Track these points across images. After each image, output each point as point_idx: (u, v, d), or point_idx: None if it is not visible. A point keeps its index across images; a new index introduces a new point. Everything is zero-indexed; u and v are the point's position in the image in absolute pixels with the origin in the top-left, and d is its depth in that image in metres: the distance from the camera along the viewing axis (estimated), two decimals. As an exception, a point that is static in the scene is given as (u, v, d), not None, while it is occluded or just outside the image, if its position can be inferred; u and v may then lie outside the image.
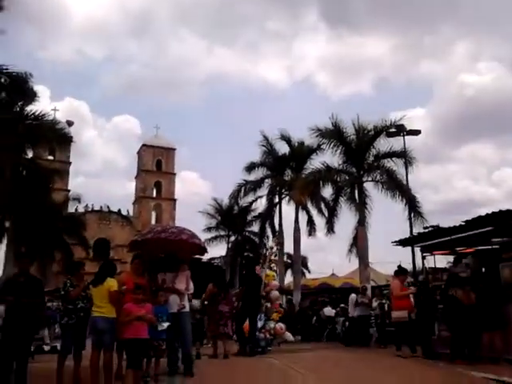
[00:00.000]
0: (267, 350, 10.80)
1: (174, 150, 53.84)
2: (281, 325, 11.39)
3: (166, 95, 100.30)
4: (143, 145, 52.80)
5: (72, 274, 7.01)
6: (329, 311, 16.92)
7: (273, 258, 13.15)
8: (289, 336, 11.79)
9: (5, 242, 24.51)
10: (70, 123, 48.23)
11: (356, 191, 20.08)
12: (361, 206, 19.71)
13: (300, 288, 22.45)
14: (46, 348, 12.15)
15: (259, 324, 11.15)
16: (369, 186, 20.28)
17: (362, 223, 19.51)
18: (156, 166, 52.22)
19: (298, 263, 24.62)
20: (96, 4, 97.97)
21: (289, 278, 29.36)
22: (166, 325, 6.59)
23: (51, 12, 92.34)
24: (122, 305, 6.21)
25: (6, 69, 16.64)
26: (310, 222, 25.09)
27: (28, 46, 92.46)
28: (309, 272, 41.78)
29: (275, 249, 13.08)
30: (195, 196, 79.35)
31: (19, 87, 17.35)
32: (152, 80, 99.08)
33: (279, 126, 24.39)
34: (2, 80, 16.99)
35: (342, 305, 16.56)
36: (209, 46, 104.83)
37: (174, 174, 53.26)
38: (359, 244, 19.52)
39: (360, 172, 19.84)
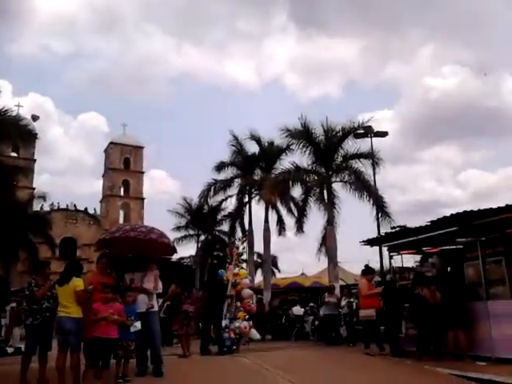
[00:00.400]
0: (233, 349, 10.81)
1: (142, 148, 53.24)
2: (245, 323, 11.36)
3: (133, 92, 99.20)
4: (111, 143, 51.98)
5: (37, 273, 6.88)
6: (298, 310, 17.08)
7: (237, 255, 13.02)
8: (255, 334, 11.78)
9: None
10: (34, 118, 47.09)
11: (325, 191, 20.24)
12: (329, 206, 19.91)
13: (270, 287, 22.52)
14: (10, 350, 11.80)
15: (223, 323, 11.16)
16: (337, 186, 20.47)
17: (330, 223, 19.71)
18: (124, 165, 51.50)
19: (267, 262, 24.66)
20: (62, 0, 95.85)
21: (259, 278, 29.45)
22: (138, 325, 6.54)
23: (16, 6, 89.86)
24: (90, 304, 6.14)
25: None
26: (280, 222, 25.21)
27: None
28: (279, 271, 42.02)
29: (241, 247, 12.98)
30: (164, 195, 78.77)
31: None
32: (119, 77, 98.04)
33: (249, 126, 24.43)
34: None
35: (312, 304, 16.75)
36: (177, 43, 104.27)
37: (143, 173, 52.66)
38: (328, 243, 19.71)
39: (329, 172, 20.03)
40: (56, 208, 45.30)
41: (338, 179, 20.29)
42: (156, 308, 7.30)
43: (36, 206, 33.98)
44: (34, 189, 37.27)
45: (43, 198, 31.22)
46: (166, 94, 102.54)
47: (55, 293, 6.41)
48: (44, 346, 6.50)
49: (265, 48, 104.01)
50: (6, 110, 19.12)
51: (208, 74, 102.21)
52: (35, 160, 45.76)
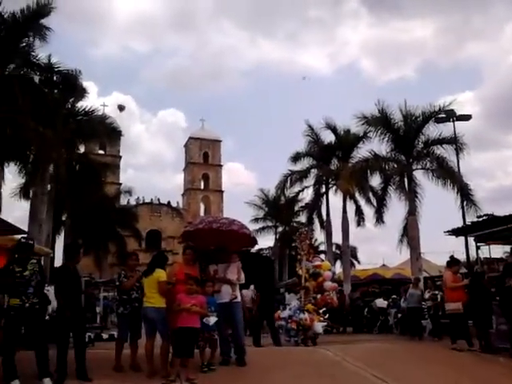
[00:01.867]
0: (296, 340, 10.85)
1: (220, 141, 54.41)
2: (307, 316, 11.19)
3: (209, 87, 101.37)
4: (190, 137, 53.64)
5: (125, 264, 7.23)
6: (381, 302, 16.67)
7: (308, 246, 12.76)
8: (318, 328, 11.54)
9: (62, 234, 25.71)
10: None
11: (405, 180, 19.57)
12: (411, 195, 19.22)
13: (350, 279, 22.24)
14: (104, 336, 12.62)
15: (286, 313, 11.14)
16: (418, 174, 19.74)
17: (412, 213, 19.04)
18: (203, 158, 52.92)
19: (346, 254, 24.37)
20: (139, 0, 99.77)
21: (338, 269, 29.16)
22: (212, 320, 6.51)
23: (98, 10, 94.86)
24: (174, 295, 6.35)
25: (58, 67, 17.28)
26: (359, 212, 24.77)
27: (76, 42, 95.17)
28: (358, 263, 41.39)
29: (307, 240, 12.72)
30: (241, 187, 79.90)
31: (70, 84, 17.96)
32: (196, 73, 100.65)
33: (324, 115, 24.05)
34: (55, 78, 17.63)
35: (394, 296, 16.30)
36: (251, 36, 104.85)
37: (221, 166, 53.86)
38: (410, 234, 19.07)
39: (409, 160, 19.33)
40: (141, 202, 47.52)
41: (419, 167, 19.60)
42: (239, 299, 7.35)
43: (123, 201, 35.86)
44: (120, 184, 39.42)
45: (129, 192, 32.95)
46: (241, 87, 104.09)
47: (142, 283, 6.70)
48: (134, 334, 6.82)
49: (337, 34, 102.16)
50: (93, 110, 20.31)
51: (281, 65, 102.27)
52: (121, 157, 48.33)
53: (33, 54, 16.56)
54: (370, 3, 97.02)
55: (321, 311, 11.82)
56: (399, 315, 14.90)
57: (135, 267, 7.10)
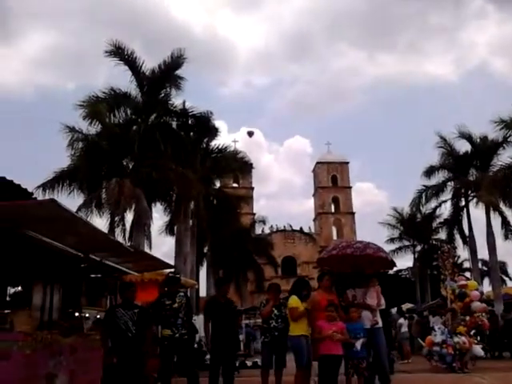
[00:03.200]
0: (453, 366, 10.05)
1: (348, 163, 54.03)
2: (464, 339, 10.38)
3: (332, 110, 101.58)
4: (317, 162, 54.11)
5: (268, 293, 7.24)
6: (539, 322, 14.98)
7: (451, 265, 11.97)
8: (478, 351, 10.65)
9: (205, 265, 27.46)
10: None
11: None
12: None
13: (501, 297, 20.37)
14: (249, 363, 13.08)
15: (440, 338, 10.42)
16: None
17: None
18: (332, 182, 52.92)
19: (495, 270, 22.43)
20: (257, 36, 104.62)
21: (486, 287, 26.91)
22: (359, 344, 6.40)
23: (222, 52, 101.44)
24: (314, 323, 6.38)
25: (192, 111, 18.88)
26: (505, 224, 22.74)
27: (205, 85, 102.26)
28: (510, 279, 37.74)
29: (450, 258, 11.92)
30: (372, 206, 77.89)
31: (203, 126, 19.45)
32: (317, 98, 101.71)
33: (456, 124, 22.79)
34: (190, 121, 19.25)
35: (557, 316, 14.58)
36: (369, 53, 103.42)
37: (350, 188, 53.28)
38: None
39: (562, 162, 17.49)
40: (275, 230, 48.75)
41: None
42: (380, 324, 7.00)
43: (258, 230, 37.17)
44: (254, 214, 40.94)
45: (263, 221, 34.21)
46: (364, 106, 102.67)
47: (285, 312, 6.74)
48: (278, 362, 6.85)
49: (463, 37, 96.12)
50: (226, 147, 21.67)
51: (404, 77, 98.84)
52: (253, 188, 50.34)
53: (170, 102, 18.36)
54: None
55: (471, 333, 11.04)
56: None
57: (277, 296, 7.08)
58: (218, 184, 25.67)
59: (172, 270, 9.26)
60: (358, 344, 6.36)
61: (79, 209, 16.77)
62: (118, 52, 17.60)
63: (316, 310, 6.52)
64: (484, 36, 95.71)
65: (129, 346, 6.01)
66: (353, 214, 51.79)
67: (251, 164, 27.47)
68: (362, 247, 7.21)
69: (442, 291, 11.56)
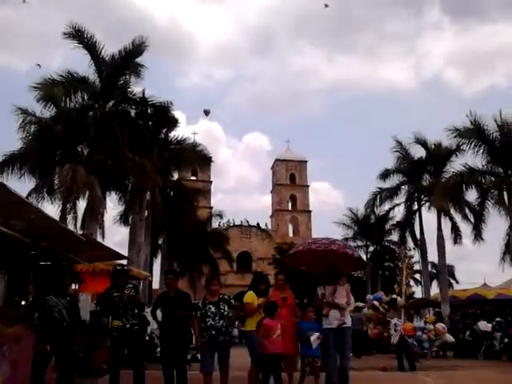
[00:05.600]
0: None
1: (306, 162, 54.53)
2: (442, 325, 10.71)
3: (292, 109, 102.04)
4: (276, 160, 54.35)
5: (207, 290, 6.72)
6: (485, 325, 15.45)
7: (408, 268, 12.33)
8: (450, 338, 11.04)
9: (159, 257, 27.10)
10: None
11: (505, 193, 18.38)
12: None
13: (448, 300, 21.08)
14: (200, 357, 12.96)
15: (418, 324, 10.67)
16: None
17: (515, 228, 17.81)
18: (290, 180, 53.34)
19: (443, 273, 23.18)
20: (220, 29, 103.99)
21: (435, 289, 27.82)
22: (314, 340, 6.35)
23: (183, 42, 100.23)
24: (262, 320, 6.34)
25: (152, 100, 18.48)
26: (455, 229, 23.45)
27: (165, 74, 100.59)
28: (456, 282, 39.27)
29: (408, 260, 12.31)
30: (328, 206, 79.01)
31: (163, 116, 19.10)
32: (277, 95, 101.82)
33: (412, 129, 23.37)
34: (149, 110, 18.85)
35: (498, 319, 15.19)
36: (328, 55, 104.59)
37: (308, 186, 53.86)
38: (514, 251, 17.82)
39: (508, 172, 18.20)
40: (232, 224, 48.66)
41: (519, 178, 18.30)
42: (349, 323, 6.79)
43: (214, 224, 36.99)
44: (211, 208, 40.78)
45: (220, 215, 34.08)
46: (323, 106, 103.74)
47: (224, 309, 6.34)
48: (221, 363, 6.32)
49: (420, 46, 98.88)
50: (184, 139, 21.39)
51: (363, 81, 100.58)
52: (211, 181, 50.02)
53: (129, 90, 17.87)
54: (453, 11, 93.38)
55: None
56: (506, 340, 13.83)
57: (217, 293, 6.55)
58: (175, 176, 25.36)
59: (125, 261, 9.03)
60: (313, 341, 6.38)
61: (30, 194, 16.20)
62: (78, 35, 16.95)
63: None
64: (440, 46, 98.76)
65: (64, 336, 5.88)
66: (309, 212, 52.38)
67: (210, 157, 27.26)
68: (328, 243, 7.17)
69: (396, 290, 11.91)
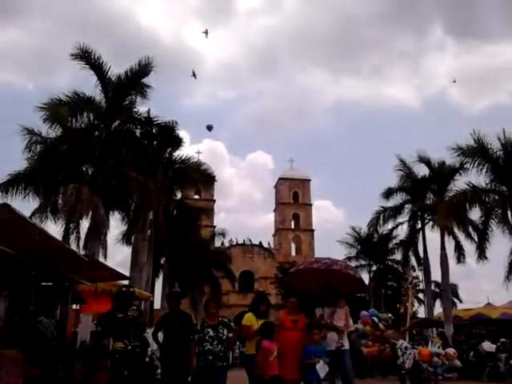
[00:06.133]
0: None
1: (309, 180, 54.61)
2: (452, 350, 10.57)
3: (295, 128, 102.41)
4: (280, 178, 54.43)
5: (205, 312, 6.54)
6: (488, 346, 15.31)
7: (413, 290, 12.35)
8: (458, 363, 10.95)
9: (161, 277, 26.98)
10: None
11: (509, 212, 18.36)
12: (516, 228, 17.95)
13: (451, 319, 20.90)
14: None
15: (434, 349, 10.49)
16: (524, 205, 18.41)
17: (519, 247, 17.72)
18: (293, 198, 53.33)
19: (447, 292, 23.01)
20: (225, 50, 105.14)
21: (438, 309, 27.55)
22: (320, 365, 6.11)
23: (188, 62, 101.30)
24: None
25: (157, 120, 18.64)
26: (458, 248, 23.38)
27: (169, 93, 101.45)
28: (460, 301, 38.85)
29: (414, 281, 12.34)
30: (330, 224, 78.78)
31: (168, 135, 19.24)
32: (281, 115, 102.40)
33: (416, 148, 23.45)
34: (154, 130, 19.01)
35: (503, 339, 15.04)
36: (333, 74, 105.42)
37: (311, 205, 53.80)
38: (518, 270, 17.70)
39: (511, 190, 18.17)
40: (234, 243, 48.53)
41: (523, 197, 18.29)
42: (347, 346, 6.71)
43: (217, 243, 36.92)
44: (214, 227, 40.69)
45: (223, 234, 34.03)
46: (327, 125, 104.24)
47: (222, 333, 6.19)
48: None
49: (424, 66, 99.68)
50: (188, 158, 21.51)
51: (366, 100, 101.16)
52: (215, 200, 50.04)
53: (134, 110, 18.04)
54: (456, 31, 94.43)
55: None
56: (511, 361, 13.67)
57: (216, 316, 6.39)
58: (179, 195, 25.41)
59: (127, 281, 9.04)
60: (319, 366, 6.21)
61: (33, 213, 16.24)
62: (85, 56, 17.18)
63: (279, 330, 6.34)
64: (443, 66, 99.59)
65: (54, 356, 5.88)
66: (312, 231, 52.22)
67: (214, 176, 27.32)
68: (330, 263, 7.11)
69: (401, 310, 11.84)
